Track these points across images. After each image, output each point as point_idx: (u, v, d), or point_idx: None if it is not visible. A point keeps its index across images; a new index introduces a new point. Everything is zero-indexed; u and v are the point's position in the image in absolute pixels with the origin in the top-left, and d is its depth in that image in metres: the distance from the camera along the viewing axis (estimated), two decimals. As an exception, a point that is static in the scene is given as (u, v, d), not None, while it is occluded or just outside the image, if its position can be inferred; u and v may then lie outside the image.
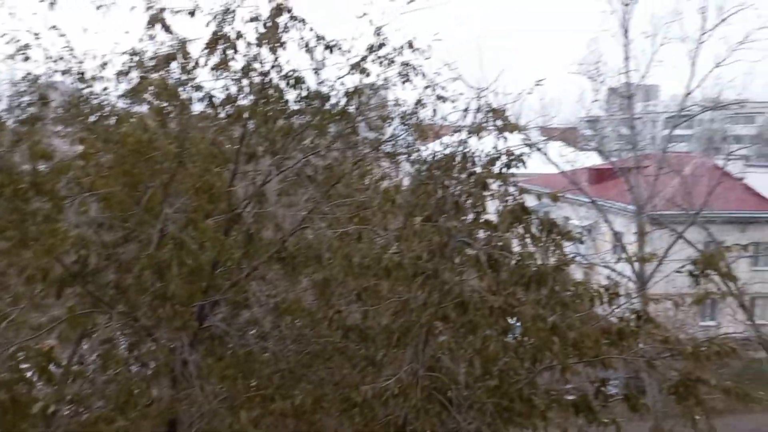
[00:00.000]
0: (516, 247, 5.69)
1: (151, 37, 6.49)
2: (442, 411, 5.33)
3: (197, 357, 6.08)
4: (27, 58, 6.60)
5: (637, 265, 14.31)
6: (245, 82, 6.85)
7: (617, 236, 15.32)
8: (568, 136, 24.08)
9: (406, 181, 7.32)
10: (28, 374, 5.64)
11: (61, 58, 6.77)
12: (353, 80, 7.12)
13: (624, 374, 7.40)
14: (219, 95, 6.77)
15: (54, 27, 6.74)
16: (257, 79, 6.81)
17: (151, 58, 6.51)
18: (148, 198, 5.65)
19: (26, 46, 6.60)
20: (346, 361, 6.45)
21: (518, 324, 5.69)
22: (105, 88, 6.85)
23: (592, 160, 29.55)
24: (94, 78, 6.80)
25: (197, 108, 6.75)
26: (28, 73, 6.74)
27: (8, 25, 6.74)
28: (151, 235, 5.74)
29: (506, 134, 5.71)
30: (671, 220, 15.93)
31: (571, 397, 6.26)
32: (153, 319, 6.08)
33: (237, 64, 6.66)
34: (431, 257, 5.40)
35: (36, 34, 6.62)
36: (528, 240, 5.41)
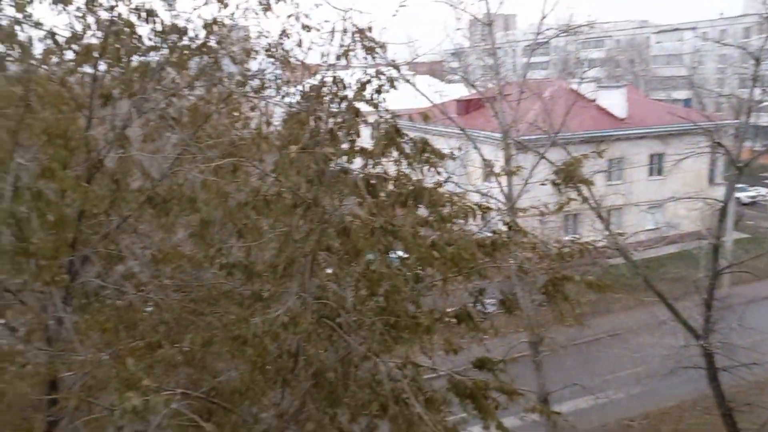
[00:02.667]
0: (392, 171, 5.80)
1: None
2: (333, 334, 5.45)
3: (72, 314, 5.77)
4: None
5: (505, 185, 15.08)
6: (91, 18, 6.33)
7: (486, 161, 16.03)
8: (435, 68, 24.54)
9: (277, 116, 7.17)
10: None
11: None
12: (211, 12, 6.79)
13: (499, 287, 7.88)
14: (62, 33, 6.22)
15: None
16: (104, 14, 6.32)
17: (-22, -5, 5.82)
18: (-6, 149, 5.15)
19: None
20: (232, 302, 6.38)
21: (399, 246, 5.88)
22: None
23: (459, 91, 30.45)
24: None
25: (39, 49, 6.16)
26: None
27: None
28: (2, 189, 5.27)
29: (374, 57, 5.71)
30: (534, 144, 16.82)
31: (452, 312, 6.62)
32: (18, 280, 5.66)
33: (79, -3, 6.12)
34: (310, 186, 5.39)
35: None
36: (403, 162, 5.52)
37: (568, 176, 6.55)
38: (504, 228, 6.41)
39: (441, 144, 6.56)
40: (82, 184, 5.65)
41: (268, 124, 7.23)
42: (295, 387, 5.30)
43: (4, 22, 5.89)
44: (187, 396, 5.29)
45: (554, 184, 6.62)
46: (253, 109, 7.41)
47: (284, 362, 5.29)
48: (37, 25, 6.01)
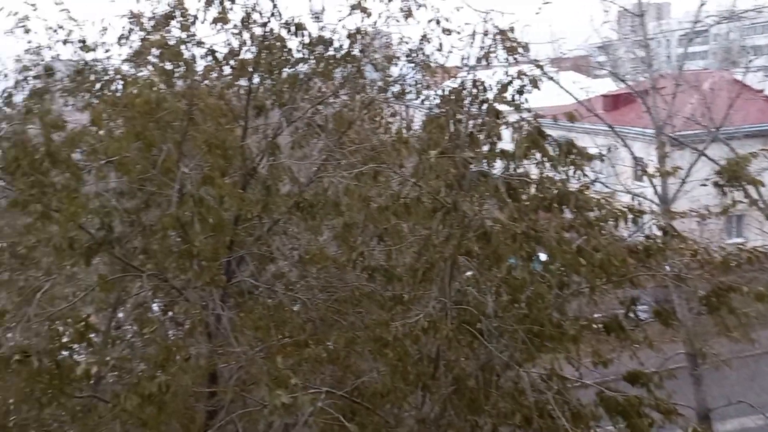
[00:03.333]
0: (534, 174, 5.63)
1: (148, -3, 6.40)
2: (473, 341, 5.38)
3: (229, 311, 6.19)
4: (27, 31, 6.55)
5: (659, 185, 14.13)
6: (246, 34, 6.76)
7: (637, 160, 15.07)
8: (581, 63, 23.54)
9: (417, 120, 7.24)
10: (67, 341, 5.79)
11: (61, 27, 6.72)
12: (355, 21, 6.99)
13: (653, 294, 7.37)
14: (221, 50, 6.70)
15: (50, -5, 6.68)
16: (258, 30, 6.72)
17: (150, 19, 6.43)
18: (162, 159, 5.65)
19: (25, 18, 6.55)
20: (374, 303, 6.52)
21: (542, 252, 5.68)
22: (108, 54, 6.81)
23: (607, 86, 28.97)
24: (95, 44, 6.76)
25: (201, 65, 6.69)
26: (31, 46, 6.71)
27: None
28: (170, 196, 5.77)
29: (516, 57, 5.57)
30: (692, 140, 15.61)
31: (601, 320, 6.29)
32: (182, 279, 6.18)
33: (236, 15, 6.57)
34: (449, 191, 5.37)
35: (33, 5, 6.56)
36: (546, 164, 5.33)
37: (734, 176, 5.98)
38: (659, 232, 5.99)
39: (587, 142, 6.26)
40: (238, 190, 6.05)
41: (409, 128, 7.31)
42: (435, 392, 5.30)
43: (172, 42, 6.46)
44: (331, 395, 5.47)
45: (717, 185, 6.07)
46: (394, 114, 7.54)
47: (424, 367, 5.30)
48: (200, 43, 6.53)
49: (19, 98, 6.53)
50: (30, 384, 5.23)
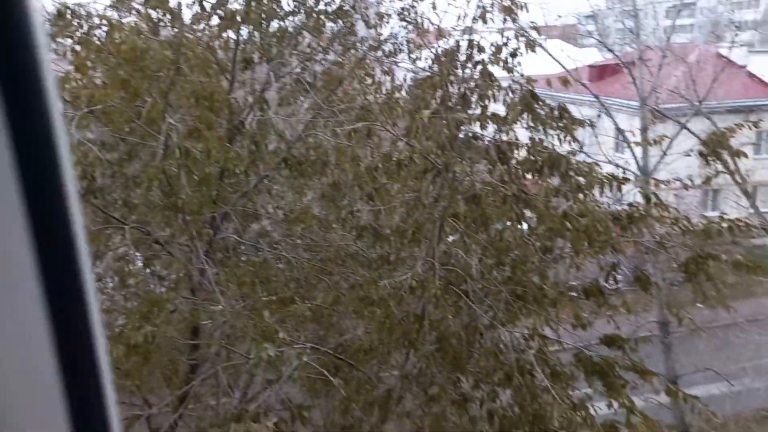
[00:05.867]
0: (524, 138, 5.63)
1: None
2: (458, 301, 5.43)
3: (213, 266, 6.15)
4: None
5: (641, 157, 14.25)
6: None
7: (621, 131, 15.12)
8: (568, 32, 23.40)
9: (408, 81, 7.15)
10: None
11: (42, -30, 6.45)
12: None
13: (631, 262, 7.49)
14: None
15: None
16: (247, -20, 6.53)
17: (136, -36, 6.21)
18: (147, 110, 5.53)
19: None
20: (359, 263, 6.53)
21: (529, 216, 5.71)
22: (92, -1, 6.57)
23: (592, 56, 28.87)
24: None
25: (188, 14, 6.50)
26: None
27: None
28: (154, 149, 5.66)
29: (512, 18, 5.51)
30: (675, 113, 15.71)
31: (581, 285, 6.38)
32: (166, 232, 6.11)
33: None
34: (441, 152, 5.35)
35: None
36: (538, 128, 5.33)
37: (718, 146, 6.05)
38: (641, 201, 6.06)
39: (573, 112, 6.26)
40: (225, 144, 5.96)
41: (400, 88, 7.23)
42: (419, 350, 5.36)
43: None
44: (316, 351, 5.50)
45: (702, 154, 6.14)
46: (386, 73, 7.44)
47: (410, 325, 5.35)
48: (187, -8, 6.33)
49: None
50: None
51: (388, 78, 7.43)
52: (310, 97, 7.23)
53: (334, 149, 6.07)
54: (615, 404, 5.47)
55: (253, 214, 7.28)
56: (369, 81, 7.44)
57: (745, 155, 6.24)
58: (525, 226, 5.82)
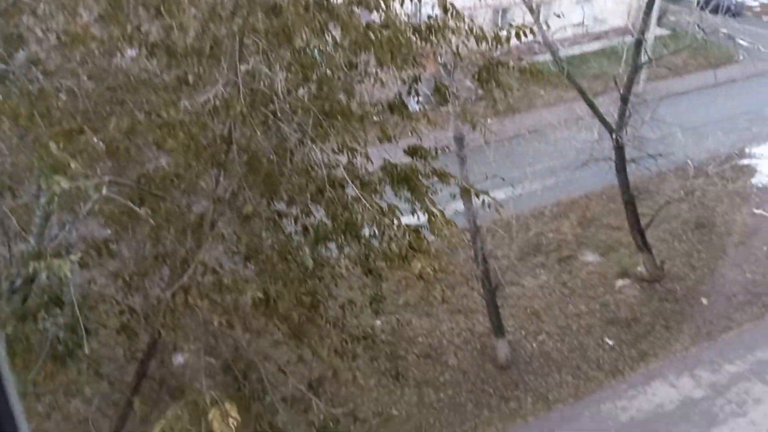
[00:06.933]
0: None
1: None
2: (267, 121, 5.31)
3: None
4: None
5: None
6: None
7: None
8: None
9: None
10: None
11: None
12: None
13: (431, 77, 7.77)
14: None
15: None
16: None
17: None
18: None
19: None
20: (153, 89, 6.02)
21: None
22: None
23: None
24: None
25: None
26: None
27: None
28: None
29: None
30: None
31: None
32: None
33: None
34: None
35: None
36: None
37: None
38: (440, 10, 6.15)
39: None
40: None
41: None
42: (230, 172, 5.25)
43: None
44: (116, 184, 5.16)
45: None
46: None
47: (217, 147, 5.17)
48: None
49: None
50: None
51: None
52: None
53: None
54: (420, 214, 5.91)
55: (17, 38, 6.28)
56: None
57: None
58: (332, 40, 5.69)
